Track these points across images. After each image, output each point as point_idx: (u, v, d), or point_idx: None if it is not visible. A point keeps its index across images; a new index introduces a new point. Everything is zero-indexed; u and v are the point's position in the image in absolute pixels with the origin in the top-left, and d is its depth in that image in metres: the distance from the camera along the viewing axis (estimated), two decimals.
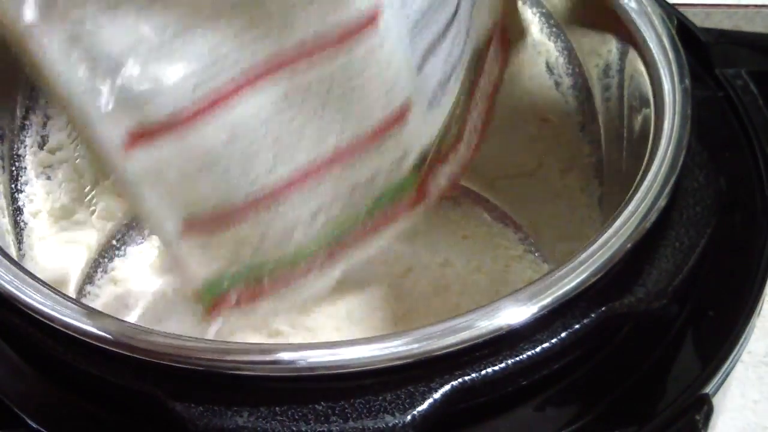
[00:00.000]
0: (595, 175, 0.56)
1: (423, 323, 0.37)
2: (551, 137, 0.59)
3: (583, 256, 0.39)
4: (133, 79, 0.37)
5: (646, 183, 0.41)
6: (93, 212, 0.59)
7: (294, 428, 0.35)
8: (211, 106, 0.38)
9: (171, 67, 0.37)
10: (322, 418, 0.35)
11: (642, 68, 0.47)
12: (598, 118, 0.55)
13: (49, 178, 0.57)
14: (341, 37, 0.39)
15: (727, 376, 0.41)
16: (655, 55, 0.47)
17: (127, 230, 0.61)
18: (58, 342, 0.38)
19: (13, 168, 0.55)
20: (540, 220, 0.61)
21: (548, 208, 0.60)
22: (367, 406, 0.35)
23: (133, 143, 0.37)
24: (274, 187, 0.41)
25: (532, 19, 0.56)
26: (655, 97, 0.46)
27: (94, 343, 0.37)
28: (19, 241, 0.55)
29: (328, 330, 0.57)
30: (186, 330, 0.44)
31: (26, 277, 0.39)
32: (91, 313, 0.38)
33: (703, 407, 0.39)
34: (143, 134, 0.38)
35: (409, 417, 0.35)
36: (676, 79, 0.46)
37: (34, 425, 0.38)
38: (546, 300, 0.37)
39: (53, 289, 0.39)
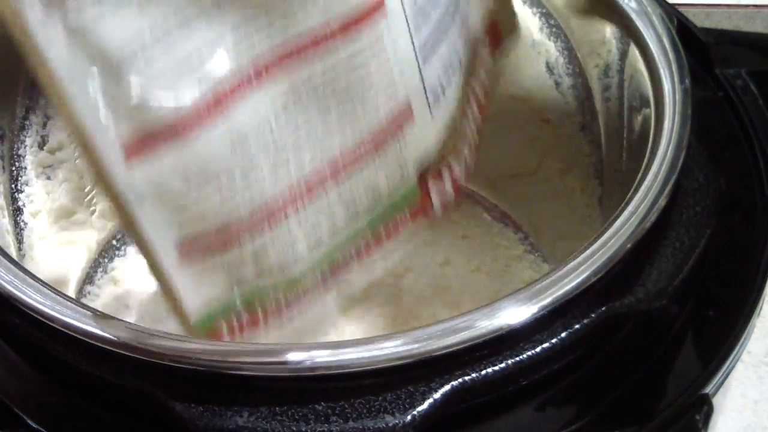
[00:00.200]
0: (595, 175, 0.56)
1: (423, 323, 0.37)
2: (551, 137, 0.59)
3: (583, 256, 0.39)
4: (135, 78, 0.36)
5: (646, 183, 0.41)
6: (93, 212, 0.59)
7: (294, 428, 0.35)
8: (215, 106, 0.37)
9: (172, 63, 0.36)
10: (322, 418, 0.35)
11: (642, 68, 0.47)
12: (598, 118, 0.55)
13: (49, 178, 0.57)
14: (347, 25, 0.38)
15: (727, 376, 0.41)
16: (655, 55, 0.47)
17: None
18: (58, 342, 0.38)
19: (13, 168, 0.55)
20: (540, 220, 0.61)
21: (548, 208, 0.60)
22: (367, 406, 0.35)
23: (134, 153, 0.36)
24: (275, 196, 0.40)
25: (532, 19, 0.56)
26: (655, 97, 0.46)
27: (94, 343, 0.37)
28: (19, 241, 0.55)
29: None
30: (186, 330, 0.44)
31: (26, 277, 0.39)
32: (91, 313, 0.38)
33: (703, 407, 0.39)
34: (145, 141, 0.36)
35: (409, 417, 0.35)
36: (676, 79, 0.46)
37: (34, 425, 0.38)
38: (546, 300, 0.37)
39: (53, 289, 0.39)
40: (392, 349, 0.36)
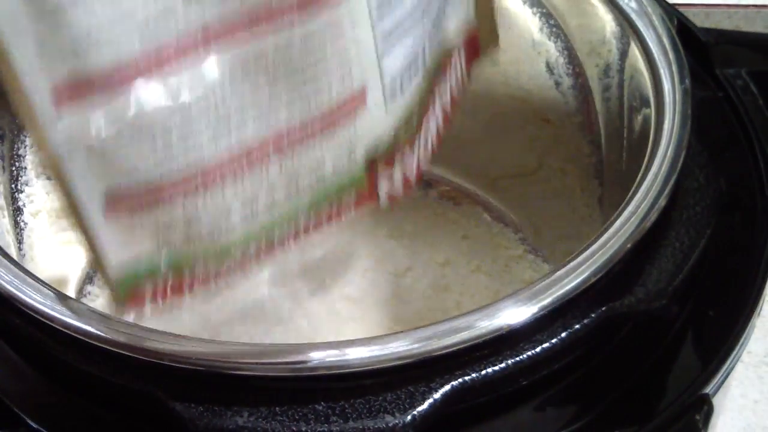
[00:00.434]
0: (595, 175, 0.56)
1: (423, 323, 0.37)
2: (551, 137, 0.59)
3: (583, 256, 0.39)
4: (71, 18, 0.34)
5: (646, 183, 0.41)
6: None
7: (294, 428, 0.35)
8: (157, 65, 0.36)
9: (115, 11, 0.35)
10: (322, 418, 0.35)
11: (642, 68, 0.47)
12: (598, 118, 0.55)
13: (49, 178, 0.57)
14: (305, 2, 0.37)
15: (727, 376, 0.41)
16: (655, 55, 0.47)
17: None
18: (58, 342, 0.38)
19: (13, 168, 0.55)
20: (540, 220, 0.61)
21: (548, 208, 0.60)
22: (367, 406, 0.35)
23: (64, 98, 0.35)
24: (213, 164, 0.39)
25: (532, 19, 0.56)
26: (655, 97, 0.46)
27: (94, 343, 0.37)
28: (19, 241, 0.55)
29: (327, 330, 0.57)
30: (186, 330, 0.44)
31: (26, 277, 0.39)
32: (91, 313, 0.38)
33: (703, 407, 0.39)
34: (77, 88, 0.35)
35: (409, 417, 0.35)
36: (676, 79, 0.46)
37: (34, 425, 0.38)
38: (546, 300, 0.37)
39: (53, 289, 0.39)
40: (392, 349, 0.36)
